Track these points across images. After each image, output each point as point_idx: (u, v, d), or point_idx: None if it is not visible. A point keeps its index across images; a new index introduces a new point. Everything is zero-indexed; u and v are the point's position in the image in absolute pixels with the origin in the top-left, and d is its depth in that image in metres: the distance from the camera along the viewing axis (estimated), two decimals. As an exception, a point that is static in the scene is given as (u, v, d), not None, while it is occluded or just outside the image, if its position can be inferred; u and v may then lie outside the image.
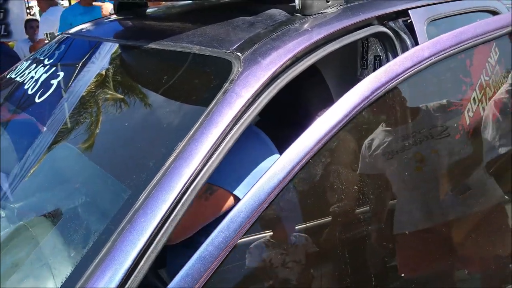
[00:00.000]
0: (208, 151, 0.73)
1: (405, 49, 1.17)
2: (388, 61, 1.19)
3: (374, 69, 1.38)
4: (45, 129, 1.05)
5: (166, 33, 1.07)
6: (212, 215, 0.98)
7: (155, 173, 0.72)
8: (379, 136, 0.90)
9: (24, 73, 1.33)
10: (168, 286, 0.68)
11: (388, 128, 0.93)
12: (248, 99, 0.80)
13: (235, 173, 0.99)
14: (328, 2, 1.04)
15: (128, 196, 0.72)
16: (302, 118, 1.40)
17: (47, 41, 3.90)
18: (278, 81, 0.86)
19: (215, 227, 0.72)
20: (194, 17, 1.25)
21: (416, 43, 1.17)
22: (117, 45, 1.16)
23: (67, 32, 1.56)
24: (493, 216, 1.15)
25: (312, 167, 0.81)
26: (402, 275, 0.94)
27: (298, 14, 1.02)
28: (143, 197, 0.69)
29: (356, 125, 0.85)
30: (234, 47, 0.90)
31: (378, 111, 0.88)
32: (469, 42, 0.98)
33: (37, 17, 6.80)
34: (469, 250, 1.08)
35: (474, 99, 1.22)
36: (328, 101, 1.38)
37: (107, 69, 1.10)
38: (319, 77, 1.31)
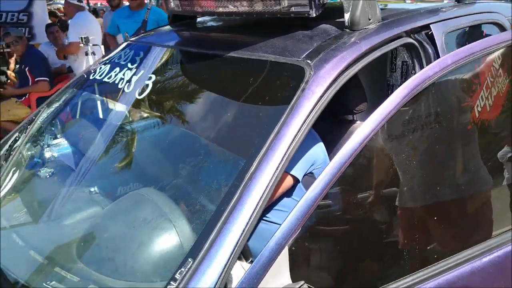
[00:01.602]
0: (296, 133, 1.01)
1: (427, 56, 1.45)
2: (414, 66, 1.49)
3: (401, 73, 1.67)
4: (157, 120, 1.34)
5: (241, 43, 1.35)
6: (276, 192, 1.25)
7: (258, 151, 0.99)
8: (418, 120, 1.18)
9: (111, 75, 1.61)
10: (277, 232, 0.92)
11: (424, 115, 1.20)
12: (320, 95, 1.08)
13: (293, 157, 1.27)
14: (369, 20, 1.32)
15: (241, 168, 0.98)
16: (342, 111, 1.70)
17: (82, 45, 4.19)
18: (338, 81, 1.15)
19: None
20: (254, 30, 1.53)
21: (436, 50, 1.46)
22: (198, 52, 1.44)
23: (141, 39, 1.83)
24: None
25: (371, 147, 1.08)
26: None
27: (347, 30, 1.30)
28: (252, 169, 0.96)
29: (405, 110, 1.12)
30: (303, 56, 1.18)
31: (418, 102, 1.15)
32: (479, 53, 1.27)
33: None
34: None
35: (481, 96, 1.51)
36: (362, 98, 1.67)
37: (197, 72, 1.38)
38: (356, 78, 1.60)
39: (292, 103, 1.06)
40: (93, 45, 4.35)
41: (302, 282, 0.83)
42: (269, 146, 0.99)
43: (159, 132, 1.42)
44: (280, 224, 0.97)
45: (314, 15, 1.29)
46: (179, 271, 0.88)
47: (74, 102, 1.74)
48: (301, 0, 1.30)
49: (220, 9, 1.54)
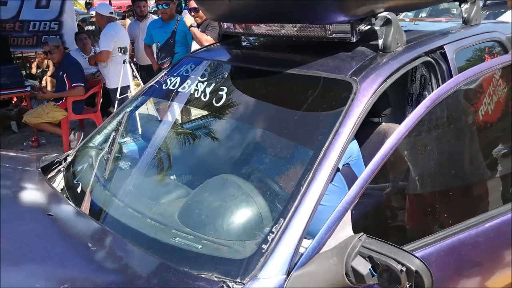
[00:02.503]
0: (350, 132, 1.39)
1: (441, 70, 1.84)
2: (430, 78, 1.87)
3: (420, 84, 2.06)
4: (232, 121, 1.72)
5: (296, 62, 1.73)
6: None
7: (323, 144, 1.37)
8: (439, 121, 1.56)
9: (184, 87, 1.98)
10: (344, 198, 1.28)
11: (443, 118, 1.58)
12: (365, 103, 1.46)
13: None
14: (398, 44, 1.70)
15: (311, 156, 1.36)
16: (371, 115, 2.08)
17: (120, 54, 4.59)
18: (376, 92, 1.53)
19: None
20: (301, 50, 1.90)
21: (448, 66, 1.84)
22: (261, 68, 1.81)
23: (199, 55, 2.21)
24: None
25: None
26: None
27: (380, 52, 1.68)
28: (320, 157, 1.34)
29: (433, 111, 1.48)
30: (350, 73, 1.57)
31: (441, 108, 1.52)
32: (484, 72, 1.65)
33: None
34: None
35: (485, 102, 1.88)
36: (388, 104, 2.05)
37: (263, 85, 1.76)
38: (384, 88, 1.97)
39: (345, 109, 1.44)
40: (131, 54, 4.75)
41: (362, 233, 1.21)
42: (331, 141, 1.38)
43: (238, 132, 1.81)
44: (323, 205, 1.35)
45: (354, 40, 1.67)
46: (274, 226, 1.26)
47: (157, 107, 2.13)
48: (344, 28, 1.69)
49: (273, 33, 1.93)
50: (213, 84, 1.87)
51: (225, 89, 1.80)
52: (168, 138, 2.05)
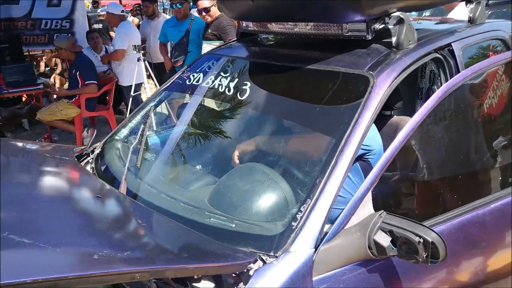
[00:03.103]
0: (368, 122, 1.53)
1: (449, 66, 1.97)
2: (439, 74, 2.00)
3: (429, 79, 2.19)
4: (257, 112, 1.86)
5: (314, 58, 1.87)
6: None
7: (344, 132, 1.51)
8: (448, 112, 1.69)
9: (208, 82, 2.12)
10: (365, 180, 1.41)
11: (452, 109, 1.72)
12: (381, 96, 1.60)
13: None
14: (410, 41, 1.83)
15: (334, 143, 1.49)
16: (383, 108, 2.21)
17: (135, 52, 4.73)
18: (391, 86, 1.66)
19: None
20: (318, 47, 2.03)
21: (455, 62, 1.98)
22: (283, 64, 1.95)
23: (220, 52, 2.35)
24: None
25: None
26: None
27: (394, 49, 1.81)
28: (341, 144, 1.48)
29: (444, 102, 1.62)
30: (366, 68, 1.70)
31: (450, 100, 1.66)
32: (488, 67, 1.78)
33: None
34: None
35: (489, 96, 2.02)
36: (400, 98, 2.18)
37: (285, 79, 1.90)
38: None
39: (363, 101, 1.58)
40: (144, 51, 4.89)
41: (382, 210, 1.35)
42: (351, 130, 1.51)
43: (262, 123, 1.94)
44: (342, 196, 1.49)
45: (369, 38, 1.80)
46: (302, 206, 1.40)
47: (180, 101, 2.27)
48: (360, 27, 1.82)
49: (291, 31, 2.06)
50: (237, 79, 2.01)
51: (249, 84, 1.93)
52: (193, 129, 2.19)
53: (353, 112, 1.56)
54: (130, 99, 5.01)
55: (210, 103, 2.21)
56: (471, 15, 2.29)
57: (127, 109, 5.89)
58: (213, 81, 2.10)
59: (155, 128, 2.26)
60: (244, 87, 1.93)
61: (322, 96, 1.71)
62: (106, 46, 6.34)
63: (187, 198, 1.72)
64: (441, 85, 2.01)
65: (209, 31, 4.48)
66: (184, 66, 4.79)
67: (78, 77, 5.24)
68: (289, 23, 2.04)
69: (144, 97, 5.49)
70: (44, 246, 1.10)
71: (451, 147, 1.76)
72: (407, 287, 1.47)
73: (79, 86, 5.25)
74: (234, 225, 1.47)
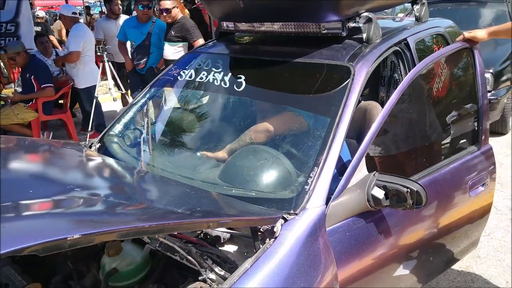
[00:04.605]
0: (354, 103, 1.87)
1: (406, 57, 2.38)
2: (398, 64, 2.41)
3: (390, 68, 2.60)
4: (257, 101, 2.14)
5: (298, 53, 2.18)
6: None
7: (337, 112, 1.83)
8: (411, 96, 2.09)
9: (202, 77, 2.36)
10: (359, 149, 1.76)
11: (413, 94, 2.12)
12: (361, 82, 1.95)
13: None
14: (377, 37, 2.20)
15: (329, 121, 1.82)
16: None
17: (99, 54, 4.75)
18: (367, 74, 2.02)
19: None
20: (298, 42, 2.35)
21: (411, 54, 2.39)
22: (270, 59, 2.24)
23: (205, 50, 2.59)
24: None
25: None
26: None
27: (365, 43, 2.17)
28: (336, 121, 1.81)
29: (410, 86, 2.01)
30: (346, 59, 2.04)
31: (412, 87, 2.05)
32: (439, 58, 2.20)
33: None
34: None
35: (436, 81, 2.46)
36: (367, 86, 2.56)
37: (275, 71, 2.18)
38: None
39: (348, 86, 1.92)
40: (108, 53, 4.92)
41: (375, 171, 1.69)
42: (342, 110, 1.84)
43: (262, 110, 2.22)
44: None
45: (344, 34, 2.15)
46: (311, 173, 1.70)
47: (180, 95, 2.48)
48: (336, 26, 2.16)
49: (272, 30, 2.36)
50: (230, 73, 2.27)
51: (243, 77, 2.20)
52: (194, 119, 2.42)
53: (341, 96, 1.90)
54: (95, 100, 5.03)
55: (207, 96, 2.45)
56: (417, 14, 2.74)
57: (82, 111, 5.85)
58: (206, 76, 2.34)
59: (153, 120, 2.45)
60: (239, 80, 2.20)
61: (312, 84, 2.03)
62: (57, 50, 6.23)
63: (202, 178, 1.96)
64: (400, 74, 2.43)
65: (173, 33, 4.64)
66: (146, 68, 4.90)
67: (32, 81, 5.15)
68: (270, 22, 2.34)
69: (108, 98, 5.46)
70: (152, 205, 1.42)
71: (415, 122, 2.17)
72: (393, 231, 1.84)
73: (35, 90, 5.17)
74: (254, 194, 1.75)
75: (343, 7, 2.06)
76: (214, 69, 2.37)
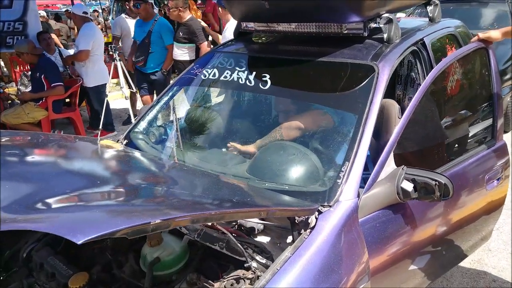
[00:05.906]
0: (380, 100, 1.95)
1: (423, 56, 2.47)
2: (416, 63, 2.50)
3: (407, 67, 2.68)
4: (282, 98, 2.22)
5: (322, 52, 2.26)
6: None
7: (364, 110, 1.92)
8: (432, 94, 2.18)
9: (226, 76, 2.43)
10: (387, 145, 1.84)
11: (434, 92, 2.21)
12: (385, 80, 2.03)
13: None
14: (396, 37, 2.29)
15: (357, 118, 1.90)
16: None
17: (111, 53, 4.80)
18: (390, 72, 2.10)
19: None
20: (320, 42, 2.43)
21: (428, 54, 2.48)
22: (295, 58, 2.32)
23: (226, 49, 2.67)
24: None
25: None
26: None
27: (385, 43, 2.26)
28: (364, 118, 1.89)
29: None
30: (369, 59, 2.12)
31: (433, 85, 2.14)
32: (455, 59, 2.29)
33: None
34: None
35: (455, 80, 2.55)
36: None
37: (302, 70, 2.26)
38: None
39: (373, 84, 2.00)
40: (119, 52, 4.99)
41: (403, 166, 1.78)
42: (369, 108, 1.93)
43: (291, 108, 2.30)
44: None
45: (365, 35, 2.24)
46: (343, 167, 1.78)
47: (205, 93, 2.55)
48: (358, 26, 2.25)
49: (295, 29, 2.44)
50: (255, 72, 2.34)
51: (268, 76, 2.28)
52: (219, 117, 2.50)
53: (367, 94, 1.98)
54: (106, 98, 5.09)
55: (233, 95, 2.53)
56: (430, 15, 2.83)
57: (91, 110, 5.90)
58: (230, 75, 2.42)
59: (179, 118, 2.52)
60: (263, 79, 2.28)
61: (338, 82, 2.12)
62: (59, 48, 6.27)
63: (233, 173, 2.03)
64: (417, 72, 2.52)
65: (180, 34, 4.74)
66: (146, 66, 4.97)
67: (42, 79, 5.20)
68: (291, 23, 2.42)
69: (117, 95, 5.51)
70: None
71: (435, 119, 2.26)
72: (418, 223, 1.93)
73: (45, 89, 5.22)
74: (287, 187, 1.83)
75: (366, 8, 2.14)
76: (237, 68, 2.44)
